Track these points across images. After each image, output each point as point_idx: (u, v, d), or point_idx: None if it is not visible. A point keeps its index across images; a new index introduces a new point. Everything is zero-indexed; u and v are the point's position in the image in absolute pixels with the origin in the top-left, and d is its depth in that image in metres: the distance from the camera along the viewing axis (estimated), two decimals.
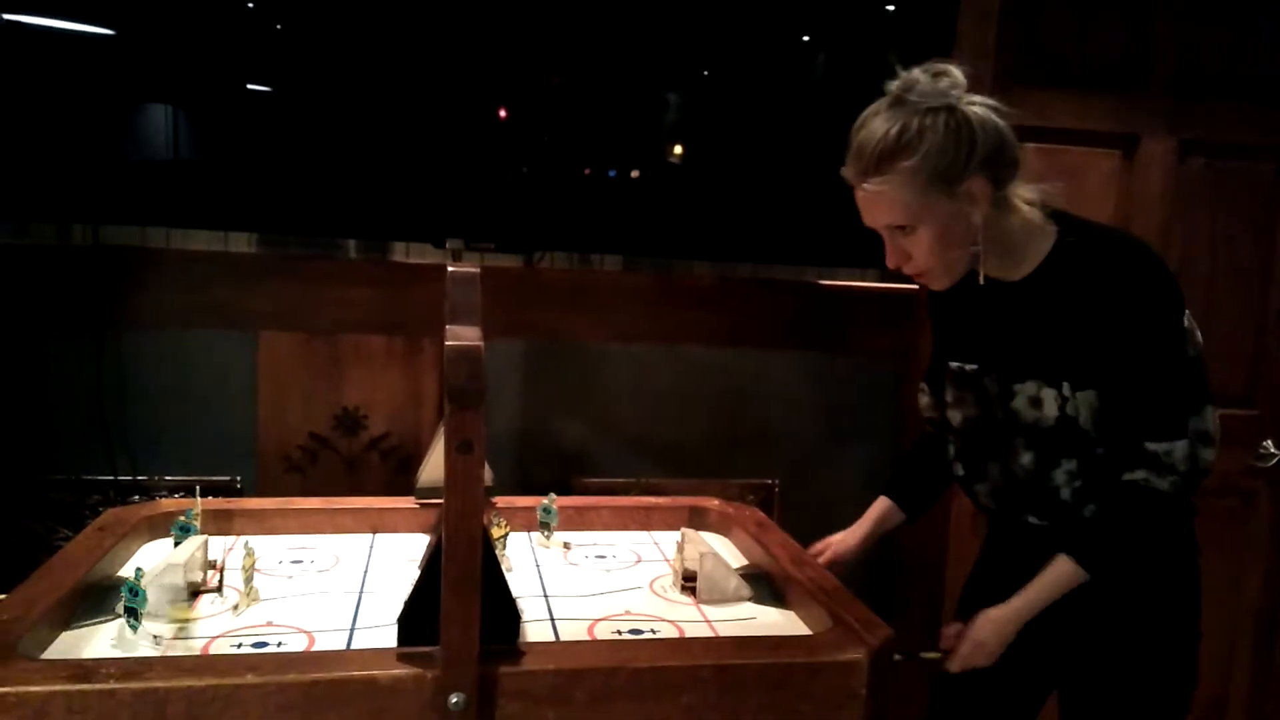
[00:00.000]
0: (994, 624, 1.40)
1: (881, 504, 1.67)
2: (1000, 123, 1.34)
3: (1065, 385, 1.37)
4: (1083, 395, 1.36)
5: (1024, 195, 1.39)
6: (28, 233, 2.01)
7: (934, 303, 1.61)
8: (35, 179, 2.01)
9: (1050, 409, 1.38)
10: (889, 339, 2.32)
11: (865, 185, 1.34)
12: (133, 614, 1.18)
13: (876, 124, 1.32)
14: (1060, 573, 1.38)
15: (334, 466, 2.12)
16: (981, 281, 1.39)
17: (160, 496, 1.95)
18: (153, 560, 1.41)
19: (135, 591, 1.18)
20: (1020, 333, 1.42)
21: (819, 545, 1.64)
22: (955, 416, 1.51)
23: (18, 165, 2.00)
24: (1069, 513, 1.41)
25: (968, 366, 1.49)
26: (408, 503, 1.64)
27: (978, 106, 1.33)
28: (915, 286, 2.31)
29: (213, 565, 1.39)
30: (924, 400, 1.66)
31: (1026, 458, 1.42)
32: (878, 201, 1.34)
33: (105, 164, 2.04)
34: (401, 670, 1.04)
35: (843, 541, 1.64)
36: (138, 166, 2.09)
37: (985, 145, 1.32)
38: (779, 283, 2.32)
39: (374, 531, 1.63)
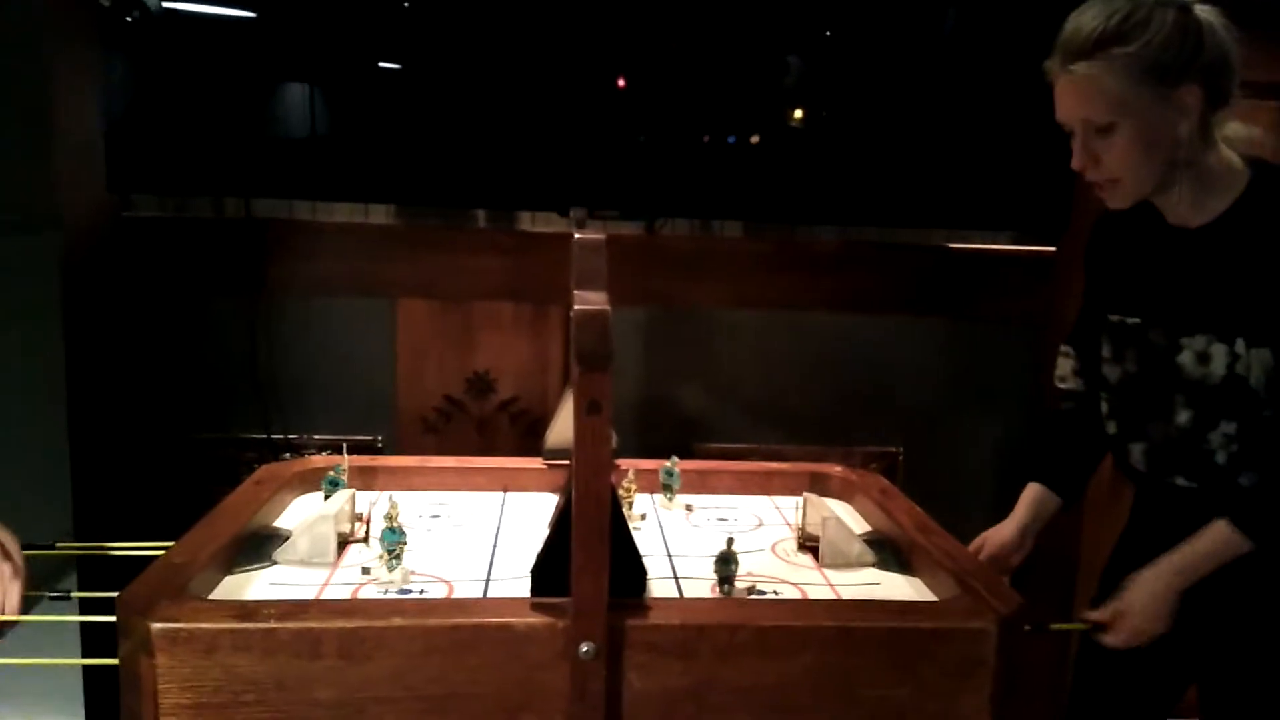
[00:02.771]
0: (1142, 586, 1.33)
1: (1033, 490, 1.56)
2: (1230, 40, 1.26)
3: (1239, 341, 1.28)
4: (1257, 353, 1.27)
5: (1228, 133, 1.30)
6: (187, 206, 2.16)
7: (1096, 251, 1.51)
8: (192, 157, 2.15)
9: (1218, 366, 1.29)
10: (1023, 304, 2.24)
11: (1074, 68, 1.26)
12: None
13: (1096, 10, 1.26)
14: (1218, 539, 1.30)
15: (466, 428, 2.21)
16: (1176, 201, 1.30)
17: (309, 454, 2.08)
18: (306, 512, 1.50)
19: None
20: (1195, 283, 1.33)
21: (976, 542, 1.55)
22: (1112, 373, 1.43)
23: (177, 144, 2.15)
24: (1222, 477, 1.33)
25: (1129, 320, 1.40)
26: (536, 463, 1.70)
27: (1211, 15, 1.25)
28: (1053, 249, 2.22)
29: (359, 517, 1.47)
30: (1065, 365, 1.56)
31: (1184, 416, 1.34)
32: (1084, 89, 1.27)
33: (255, 141, 2.16)
34: (535, 619, 1.09)
35: (998, 533, 1.53)
36: (285, 143, 2.20)
37: (1211, 53, 1.24)
38: (905, 246, 2.27)
39: (505, 490, 1.69)
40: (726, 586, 1.28)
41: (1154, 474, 1.43)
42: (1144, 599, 1.33)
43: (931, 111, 2.27)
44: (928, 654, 1.12)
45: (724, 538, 1.31)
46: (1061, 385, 1.59)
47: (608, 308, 1.10)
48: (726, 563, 1.28)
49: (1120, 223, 1.46)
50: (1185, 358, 1.33)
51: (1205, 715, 1.47)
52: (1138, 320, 1.40)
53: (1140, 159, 1.28)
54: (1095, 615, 1.38)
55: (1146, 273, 1.40)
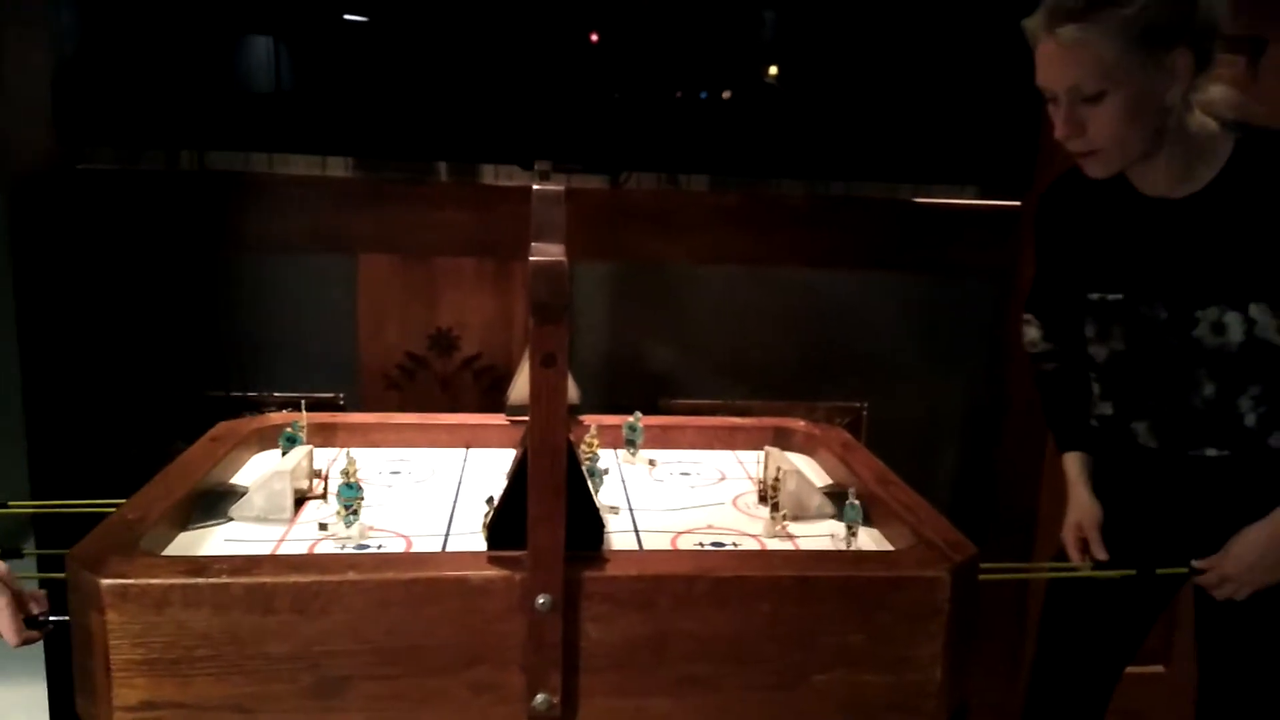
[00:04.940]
0: (1254, 542, 1.33)
1: (1075, 459, 1.54)
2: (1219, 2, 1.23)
3: (1253, 307, 1.27)
4: None
5: (1213, 96, 1.27)
6: (140, 159, 2.10)
7: (1051, 222, 1.49)
8: (145, 108, 2.09)
9: (1235, 334, 1.29)
10: (988, 258, 2.24)
11: (1062, 31, 1.21)
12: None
13: None
14: None
15: (430, 385, 2.19)
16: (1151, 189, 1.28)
17: (268, 411, 2.05)
18: (262, 469, 1.49)
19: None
20: (1194, 254, 1.31)
21: (1073, 531, 1.50)
22: (1099, 353, 1.42)
23: (129, 95, 2.09)
24: (1253, 440, 1.34)
25: (1110, 297, 1.38)
26: (499, 419, 1.69)
27: None
28: (1017, 204, 2.22)
29: (317, 474, 1.46)
30: (1031, 332, 1.55)
31: (1209, 388, 1.34)
32: (1072, 55, 1.21)
33: (210, 92, 2.10)
34: (491, 572, 1.09)
35: (1087, 512, 1.49)
36: (242, 95, 2.15)
37: (1204, 15, 1.21)
38: (871, 201, 2.26)
39: (467, 446, 1.68)
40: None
41: (1170, 448, 1.41)
42: (1258, 554, 1.34)
43: (897, 66, 2.25)
44: (884, 602, 1.13)
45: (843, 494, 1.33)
46: (1033, 350, 1.58)
47: (563, 258, 1.08)
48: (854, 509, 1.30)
49: (1077, 193, 1.42)
50: (1202, 330, 1.31)
51: (1201, 649, 1.50)
52: (1120, 296, 1.38)
53: (1128, 128, 1.24)
54: (1202, 563, 1.39)
55: (1124, 246, 1.37)
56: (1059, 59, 1.24)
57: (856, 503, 1.31)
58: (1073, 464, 1.55)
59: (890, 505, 1.35)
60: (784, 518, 1.36)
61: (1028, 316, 1.57)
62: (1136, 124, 1.24)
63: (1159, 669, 2.34)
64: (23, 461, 2.04)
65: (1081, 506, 1.51)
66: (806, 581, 1.13)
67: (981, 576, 1.22)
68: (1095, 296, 1.41)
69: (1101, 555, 1.44)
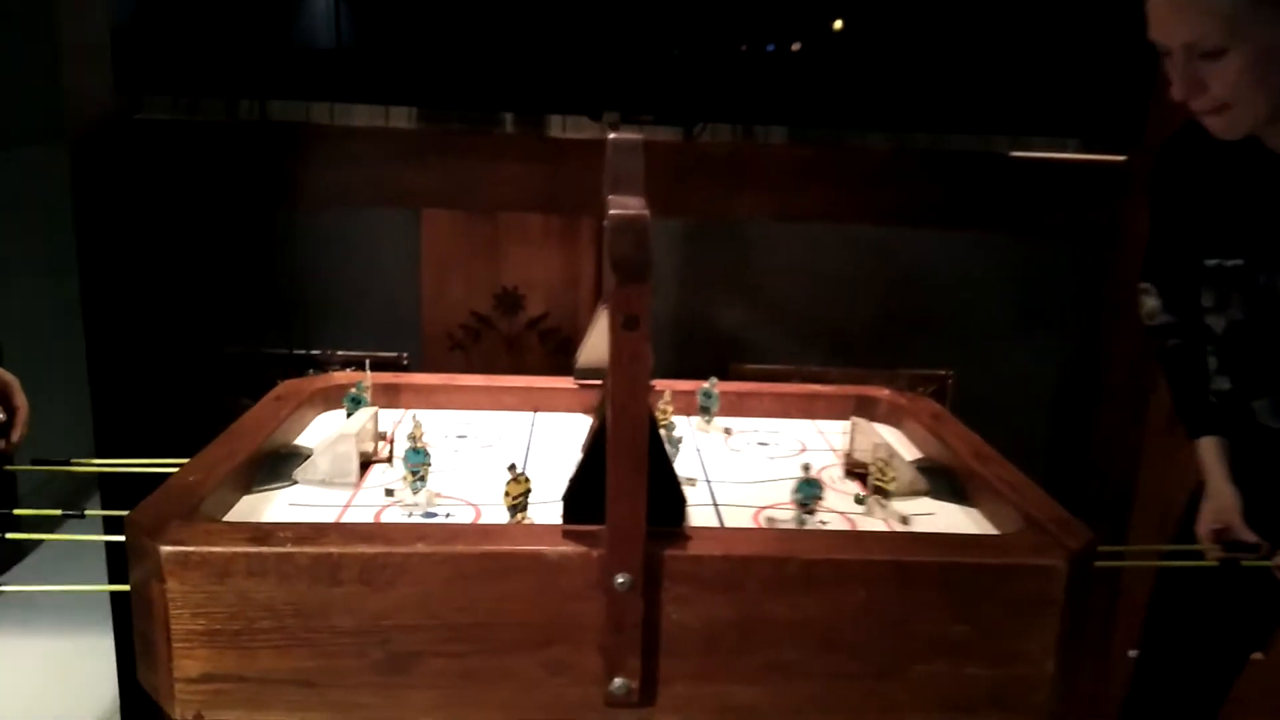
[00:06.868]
0: None
1: (1214, 445, 1.40)
2: None
3: None
4: None
5: None
6: (199, 109, 2.06)
7: (1168, 182, 1.38)
8: (204, 56, 2.05)
9: None
10: (1089, 218, 2.10)
11: None
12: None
13: None
14: None
15: (495, 345, 2.13)
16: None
17: (332, 369, 2.02)
18: (327, 430, 1.44)
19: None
20: None
21: (1210, 523, 1.38)
22: (1217, 323, 1.32)
23: (187, 43, 2.04)
24: None
25: (1228, 263, 1.28)
26: (567, 383, 1.62)
27: None
28: (1123, 159, 2.07)
29: (383, 437, 1.41)
30: (1150, 303, 1.44)
31: None
32: (1189, 9, 1.11)
33: (270, 40, 2.05)
34: (568, 548, 1.02)
35: (1222, 500, 1.36)
36: (302, 44, 2.09)
37: None
38: (962, 154, 2.13)
39: (535, 410, 1.62)
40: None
41: None
42: None
43: (991, 6, 2.11)
44: (990, 591, 1.04)
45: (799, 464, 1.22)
46: (1152, 323, 1.47)
47: (646, 212, 0.99)
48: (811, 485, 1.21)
49: (1198, 148, 1.31)
50: None
51: None
52: (1240, 262, 1.28)
53: (1256, 86, 1.14)
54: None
55: (1245, 208, 1.27)
56: (1172, 13, 1.14)
57: (816, 478, 1.22)
58: (1209, 450, 1.42)
59: (992, 483, 1.25)
60: (881, 498, 1.26)
61: (1145, 285, 1.46)
62: (1263, 81, 1.14)
63: (1257, 655, 2.22)
64: (88, 421, 2.04)
65: (1221, 495, 1.38)
66: (905, 567, 1.04)
67: (1096, 564, 1.12)
68: (1213, 262, 1.31)
69: (1250, 538, 1.32)
